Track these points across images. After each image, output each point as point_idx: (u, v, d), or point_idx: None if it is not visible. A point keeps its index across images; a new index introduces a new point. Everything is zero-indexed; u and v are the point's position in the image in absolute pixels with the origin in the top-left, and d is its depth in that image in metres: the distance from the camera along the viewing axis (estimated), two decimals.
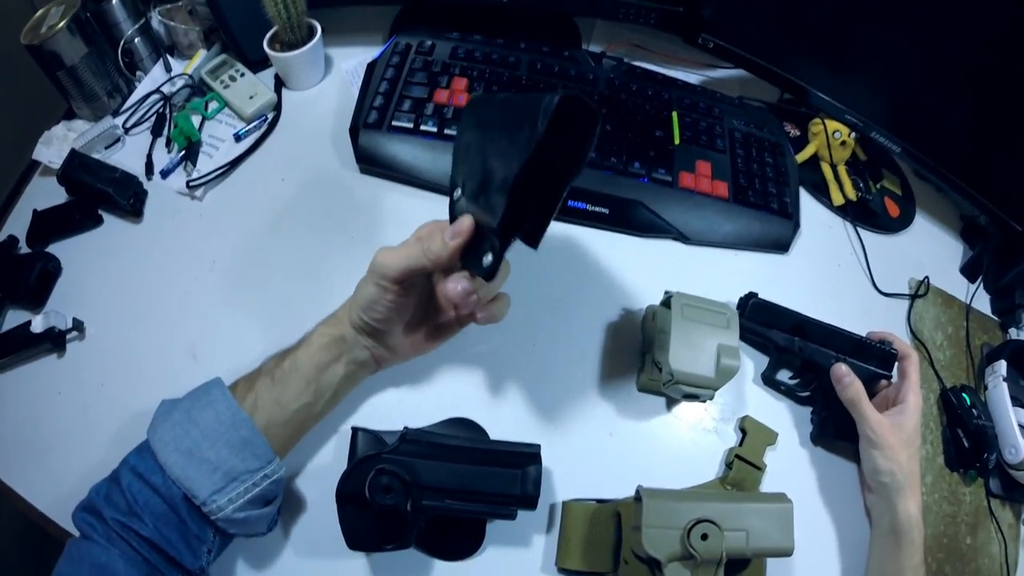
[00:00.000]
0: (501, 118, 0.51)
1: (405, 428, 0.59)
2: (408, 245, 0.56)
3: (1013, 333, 0.87)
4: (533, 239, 0.51)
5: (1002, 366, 0.79)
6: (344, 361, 0.61)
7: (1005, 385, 0.77)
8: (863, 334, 0.75)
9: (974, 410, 0.75)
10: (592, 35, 1.07)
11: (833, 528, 0.70)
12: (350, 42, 0.97)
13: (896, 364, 0.73)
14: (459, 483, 0.57)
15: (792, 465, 0.72)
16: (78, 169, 0.77)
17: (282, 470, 0.56)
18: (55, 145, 0.83)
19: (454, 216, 0.54)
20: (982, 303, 0.90)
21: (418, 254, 0.54)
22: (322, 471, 0.64)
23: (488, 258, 0.50)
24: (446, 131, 0.80)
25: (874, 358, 0.72)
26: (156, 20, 0.91)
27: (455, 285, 0.52)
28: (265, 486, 0.54)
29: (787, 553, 0.61)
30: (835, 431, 0.71)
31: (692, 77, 1.04)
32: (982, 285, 0.91)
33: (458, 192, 0.54)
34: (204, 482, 0.51)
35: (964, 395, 0.77)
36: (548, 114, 0.45)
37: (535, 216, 0.51)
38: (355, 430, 0.60)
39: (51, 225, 0.78)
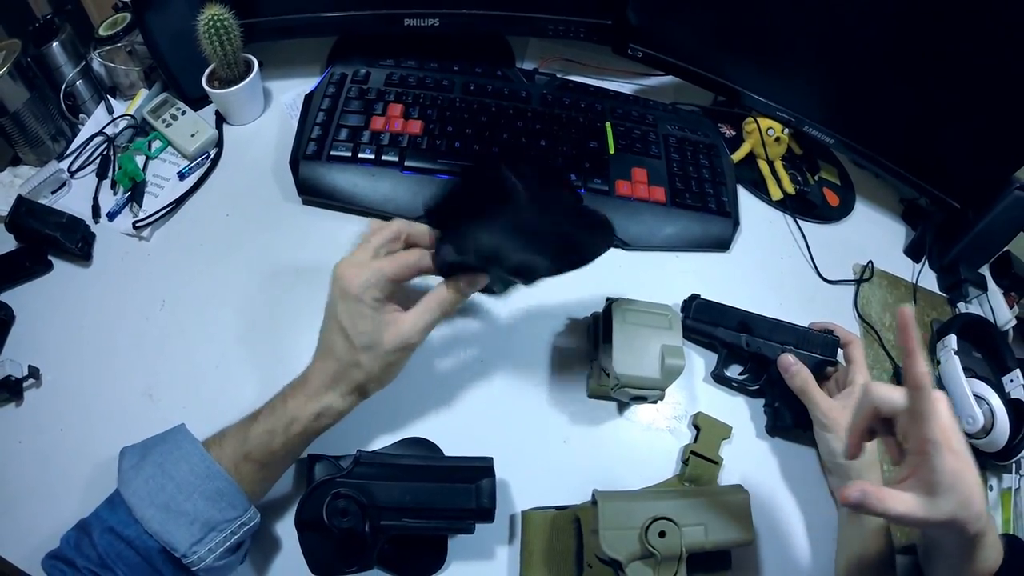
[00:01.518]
0: (541, 212, 0.58)
1: (358, 451, 0.60)
2: (424, 312, 0.59)
3: (962, 307, 0.90)
4: None
5: (952, 340, 0.80)
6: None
7: (957, 358, 0.79)
8: (808, 324, 0.77)
9: None
10: (526, 53, 1.08)
11: (798, 513, 0.71)
12: (288, 75, 0.98)
13: (840, 350, 0.75)
14: (415, 501, 0.58)
15: (750, 457, 0.73)
16: (25, 216, 0.77)
17: (257, 517, 0.56)
18: (1, 192, 0.83)
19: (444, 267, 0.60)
20: (929, 282, 0.92)
21: (439, 314, 0.59)
22: (285, 500, 0.65)
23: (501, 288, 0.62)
24: (384, 157, 0.81)
25: (818, 346, 0.74)
26: (96, 62, 0.91)
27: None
28: (242, 533, 0.55)
29: (747, 543, 0.62)
30: (789, 420, 0.73)
31: (625, 87, 1.06)
32: (927, 264, 0.93)
33: (452, 255, 0.59)
34: (183, 535, 0.52)
35: None
36: (603, 249, 0.61)
37: None
38: (311, 457, 0.60)
39: (1, 273, 0.77)
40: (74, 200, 0.84)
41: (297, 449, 0.59)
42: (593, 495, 0.61)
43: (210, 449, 0.56)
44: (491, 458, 0.62)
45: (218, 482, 0.54)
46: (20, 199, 0.79)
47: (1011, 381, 0.79)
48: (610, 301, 0.70)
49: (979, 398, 0.76)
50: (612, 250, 0.83)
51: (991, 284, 0.93)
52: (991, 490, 0.79)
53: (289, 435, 0.57)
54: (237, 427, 0.58)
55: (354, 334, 0.57)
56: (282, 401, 0.59)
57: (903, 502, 0.53)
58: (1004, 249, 0.92)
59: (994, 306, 0.91)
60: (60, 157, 0.87)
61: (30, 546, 0.59)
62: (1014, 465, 0.77)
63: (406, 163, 0.81)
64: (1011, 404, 0.75)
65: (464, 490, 0.59)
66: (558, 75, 0.99)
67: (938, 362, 0.82)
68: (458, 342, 0.76)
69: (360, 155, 0.81)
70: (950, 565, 0.59)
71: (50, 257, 0.79)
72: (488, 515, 0.59)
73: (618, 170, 0.86)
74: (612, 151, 0.88)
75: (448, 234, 0.59)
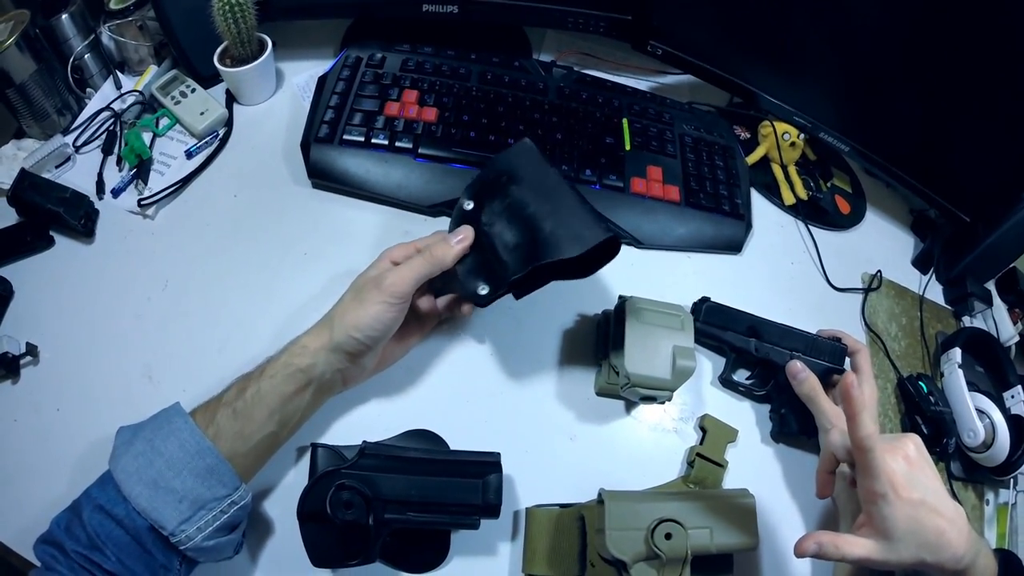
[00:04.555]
0: (556, 200, 0.63)
1: (364, 442, 0.59)
2: (413, 262, 0.62)
3: (966, 321, 0.90)
4: (518, 295, 0.65)
5: (957, 353, 0.81)
6: (311, 389, 0.61)
7: (960, 371, 0.79)
8: (816, 331, 0.77)
9: (931, 397, 0.77)
10: (543, 45, 1.08)
11: (800, 520, 0.71)
12: (301, 56, 0.97)
13: (848, 359, 0.75)
14: (420, 495, 0.57)
15: (755, 462, 0.73)
16: (28, 189, 0.76)
17: (248, 496, 0.55)
18: (4, 165, 0.81)
19: (456, 219, 0.66)
20: (935, 293, 0.92)
21: (423, 263, 0.61)
22: (284, 489, 0.64)
23: (484, 290, 0.62)
24: (397, 143, 0.80)
25: (826, 354, 0.74)
26: (106, 36, 0.89)
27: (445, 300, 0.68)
28: (232, 512, 0.54)
29: (751, 548, 0.62)
30: (795, 426, 0.72)
31: (642, 84, 1.05)
32: (934, 276, 0.93)
33: (469, 203, 0.66)
34: (171, 512, 0.51)
35: (921, 383, 0.79)
36: (592, 243, 0.59)
37: (527, 281, 0.63)
38: (314, 446, 0.59)
39: (2, 248, 0.76)
40: (78, 175, 0.82)
41: (270, 398, 0.57)
42: (599, 494, 0.60)
43: (197, 415, 0.56)
44: (498, 453, 0.61)
45: (208, 459, 0.53)
46: (23, 172, 0.78)
47: (1012, 397, 0.79)
48: (623, 299, 0.70)
49: (981, 412, 0.76)
50: (624, 247, 0.83)
51: (996, 299, 0.93)
52: (987, 504, 0.79)
53: (262, 378, 0.57)
54: (224, 388, 0.59)
55: (358, 278, 0.63)
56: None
57: (861, 546, 0.55)
58: (1011, 265, 0.92)
59: (998, 321, 0.91)
60: (65, 131, 0.85)
61: (23, 527, 0.58)
62: (1012, 480, 0.77)
63: (420, 150, 0.81)
64: (1012, 420, 0.75)
65: (471, 485, 0.59)
66: (575, 68, 0.98)
67: (942, 374, 0.82)
68: (466, 335, 0.75)
69: (373, 140, 0.80)
70: None
71: (52, 233, 0.77)
72: (494, 511, 0.59)
73: (633, 167, 0.86)
74: (628, 148, 0.87)
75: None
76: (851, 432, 0.55)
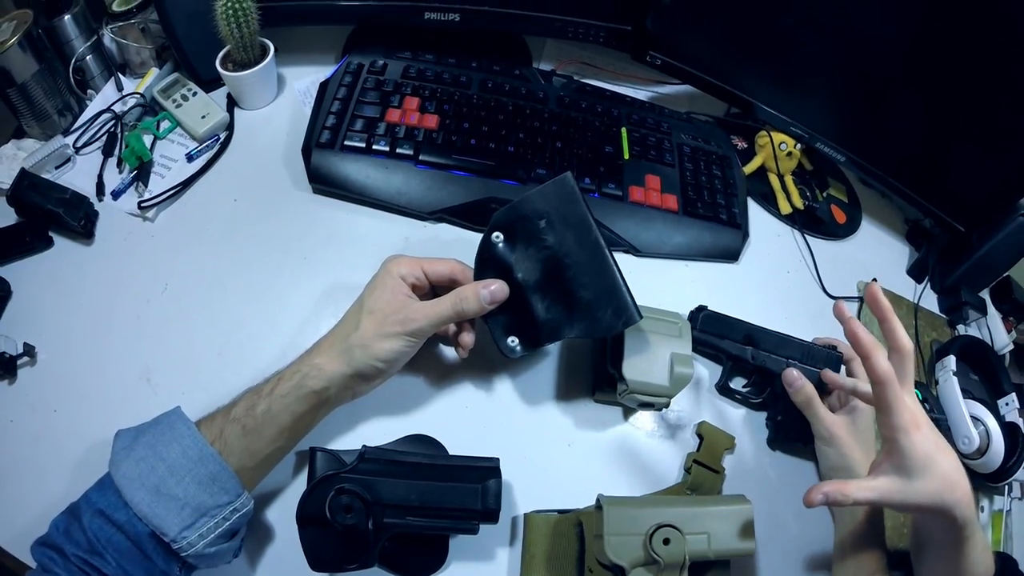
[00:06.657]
0: (594, 265, 0.64)
1: (363, 446, 0.59)
2: (441, 306, 0.62)
3: (961, 329, 0.90)
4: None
5: (951, 361, 0.81)
6: (324, 409, 0.62)
7: (955, 379, 0.79)
8: (812, 339, 0.77)
9: (926, 404, 0.77)
10: (543, 54, 1.08)
11: (795, 526, 0.71)
12: (303, 62, 0.97)
13: (843, 367, 0.75)
14: (420, 499, 0.57)
15: (751, 468, 0.73)
16: (28, 190, 0.76)
17: (250, 503, 0.55)
18: (4, 165, 0.81)
19: (484, 251, 0.65)
20: (930, 302, 0.93)
21: (450, 312, 0.62)
22: (284, 493, 0.64)
23: (517, 350, 0.65)
24: (398, 150, 0.81)
25: (821, 362, 0.74)
26: (108, 38, 0.89)
27: (471, 337, 0.67)
28: (234, 520, 0.54)
29: (749, 553, 0.62)
30: (792, 433, 0.73)
31: (641, 93, 1.06)
32: (929, 285, 0.94)
33: (499, 236, 0.65)
34: (173, 519, 0.51)
35: (916, 391, 0.78)
36: (623, 328, 0.64)
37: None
38: (313, 450, 0.59)
39: (0, 247, 0.76)
40: (78, 176, 0.82)
41: (281, 417, 0.57)
42: (598, 500, 0.61)
43: (201, 426, 0.56)
44: (498, 459, 0.61)
45: (211, 466, 0.53)
46: (23, 172, 0.78)
47: (1006, 404, 0.80)
48: None
49: (975, 419, 0.77)
50: (622, 256, 0.84)
51: (991, 308, 0.93)
52: (982, 511, 0.79)
53: (273, 396, 0.57)
54: (231, 401, 0.59)
55: (368, 298, 0.61)
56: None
57: (872, 489, 0.56)
58: (1005, 274, 0.93)
59: (992, 330, 0.91)
60: (66, 132, 0.85)
61: (19, 529, 0.58)
62: (1006, 487, 0.78)
63: (421, 157, 0.81)
64: (1006, 427, 0.76)
65: (470, 490, 0.59)
66: (575, 78, 0.99)
67: (937, 382, 0.83)
68: None
69: (374, 146, 0.80)
70: (940, 558, 0.59)
71: (51, 233, 0.77)
72: (494, 516, 0.59)
73: (632, 176, 0.86)
74: (627, 157, 0.88)
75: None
76: (871, 367, 0.56)
